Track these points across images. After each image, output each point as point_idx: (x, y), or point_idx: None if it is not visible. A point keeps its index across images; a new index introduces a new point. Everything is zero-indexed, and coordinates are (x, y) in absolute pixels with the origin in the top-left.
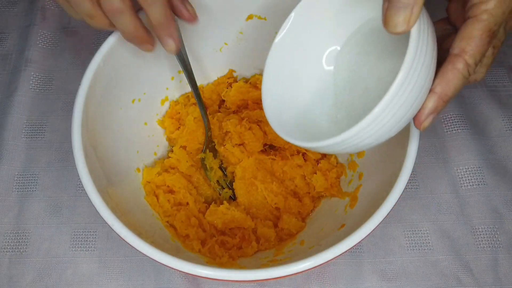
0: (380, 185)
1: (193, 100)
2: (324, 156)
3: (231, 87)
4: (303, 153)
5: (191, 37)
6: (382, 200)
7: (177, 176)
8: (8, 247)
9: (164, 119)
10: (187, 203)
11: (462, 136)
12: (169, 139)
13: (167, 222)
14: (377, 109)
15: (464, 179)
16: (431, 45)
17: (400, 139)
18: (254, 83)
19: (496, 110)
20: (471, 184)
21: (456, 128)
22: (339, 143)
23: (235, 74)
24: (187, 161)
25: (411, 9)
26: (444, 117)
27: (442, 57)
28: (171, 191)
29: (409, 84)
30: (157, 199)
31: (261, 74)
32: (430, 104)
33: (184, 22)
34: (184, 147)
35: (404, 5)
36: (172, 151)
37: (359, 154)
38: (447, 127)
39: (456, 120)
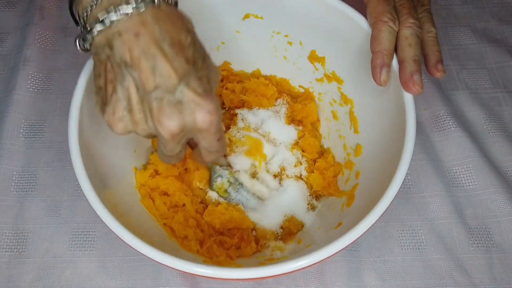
0: (377, 184)
1: None
2: (321, 155)
3: (227, 89)
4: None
5: None
6: (378, 198)
7: (170, 180)
8: (7, 247)
9: None
10: (184, 205)
11: (454, 135)
12: None
13: (165, 224)
14: None
15: (457, 178)
16: None
17: (396, 137)
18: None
19: (478, 112)
20: (464, 183)
21: (447, 127)
22: None
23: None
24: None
25: None
26: (435, 116)
27: None
28: (167, 194)
29: None
30: (153, 202)
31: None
32: (378, 60)
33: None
34: None
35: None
36: None
37: (356, 153)
38: (437, 126)
39: (445, 118)
